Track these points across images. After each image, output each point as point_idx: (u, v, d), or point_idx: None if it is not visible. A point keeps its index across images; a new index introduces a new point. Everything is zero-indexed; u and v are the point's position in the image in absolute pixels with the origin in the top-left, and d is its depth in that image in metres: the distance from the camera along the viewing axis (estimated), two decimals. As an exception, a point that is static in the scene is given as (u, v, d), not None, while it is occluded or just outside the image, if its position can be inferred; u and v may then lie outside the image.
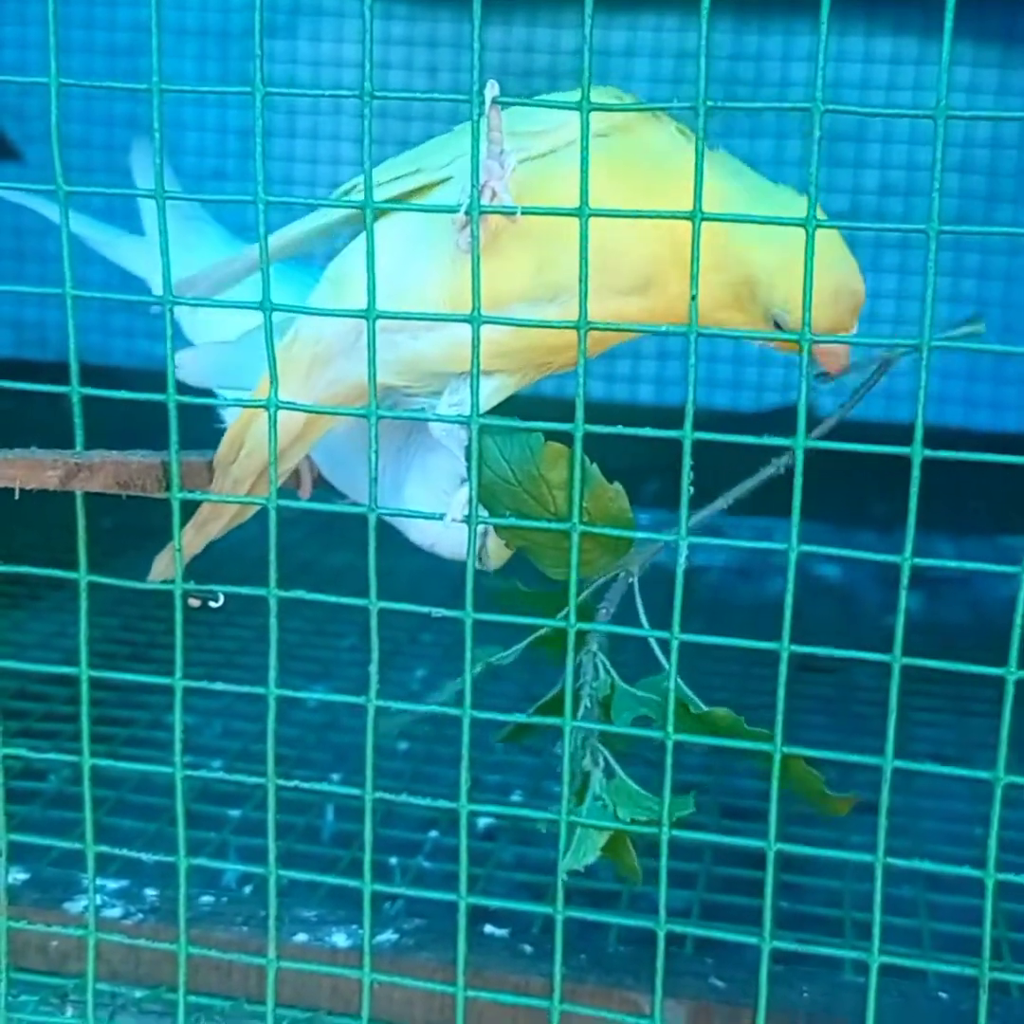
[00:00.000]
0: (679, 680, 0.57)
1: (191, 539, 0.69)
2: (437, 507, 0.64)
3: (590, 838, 0.60)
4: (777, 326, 0.61)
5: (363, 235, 0.62)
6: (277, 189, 1.43)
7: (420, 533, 0.73)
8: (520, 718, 0.60)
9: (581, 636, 0.58)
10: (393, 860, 0.86)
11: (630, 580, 0.64)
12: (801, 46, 1.64)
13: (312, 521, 1.17)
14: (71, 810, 0.88)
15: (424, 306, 0.61)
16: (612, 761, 0.62)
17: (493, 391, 0.63)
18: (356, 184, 0.65)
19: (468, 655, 0.58)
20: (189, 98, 1.72)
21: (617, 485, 0.61)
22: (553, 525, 0.58)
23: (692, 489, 0.55)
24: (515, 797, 0.92)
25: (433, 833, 0.89)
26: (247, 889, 0.81)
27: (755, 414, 1.63)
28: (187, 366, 0.69)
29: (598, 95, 0.60)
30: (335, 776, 0.94)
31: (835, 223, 0.55)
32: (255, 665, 1.02)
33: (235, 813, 0.89)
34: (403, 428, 0.74)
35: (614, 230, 0.57)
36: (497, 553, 0.70)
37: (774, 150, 1.60)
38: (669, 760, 0.56)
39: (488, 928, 0.73)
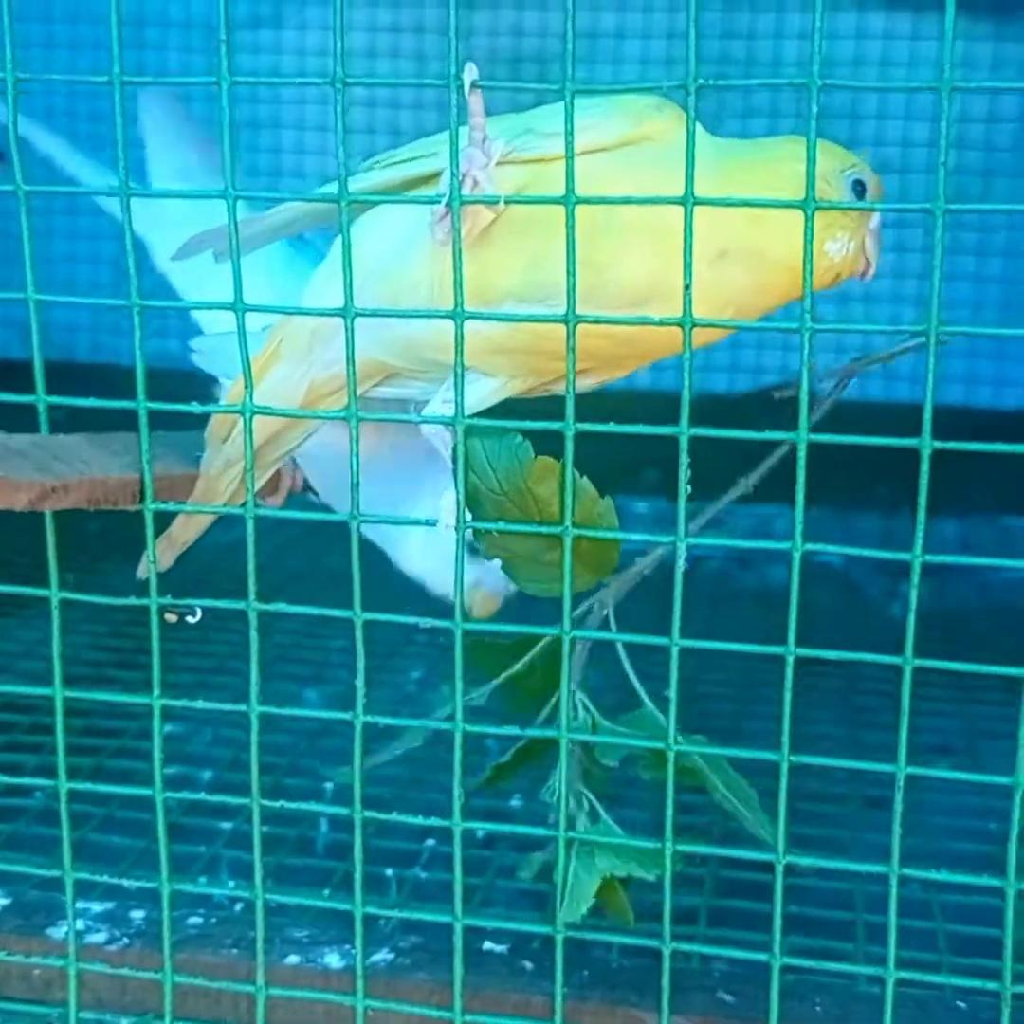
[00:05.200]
0: (658, 714, 0.55)
1: (182, 529, 0.66)
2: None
3: (582, 886, 0.58)
4: (858, 191, 0.60)
5: (366, 211, 0.60)
6: (264, 181, 1.37)
7: (410, 566, 0.71)
8: (514, 731, 0.57)
9: (556, 678, 0.56)
10: (389, 872, 0.83)
11: (604, 612, 0.62)
12: (793, 24, 1.62)
13: (307, 522, 1.15)
14: (58, 826, 0.86)
15: (414, 290, 0.59)
16: (597, 804, 0.60)
17: (491, 392, 0.61)
18: (379, 159, 0.63)
19: (458, 667, 0.56)
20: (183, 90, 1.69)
21: (607, 500, 0.58)
22: (545, 529, 0.56)
23: (689, 487, 0.53)
24: (514, 802, 0.89)
25: (430, 842, 0.86)
26: (238, 907, 0.79)
27: (752, 394, 1.60)
28: (203, 353, 0.68)
29: (640, 104, 0.58)
30: (328, 785, 0.91)
31: (835, 204, 0.52)
32: (248, 670, 0.99)
33: (227, 826, 0.86)
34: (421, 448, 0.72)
35: (607, 246, 0.55)
36: (484, 605, 0.69)
37: (768, 129, 1.57)
38: (671, 773, 0.54)
39: (487, 945, 0.70)
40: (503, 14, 1.62)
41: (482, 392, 0.60)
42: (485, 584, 0.70)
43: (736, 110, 1.59)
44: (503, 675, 0.63)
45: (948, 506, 1.52)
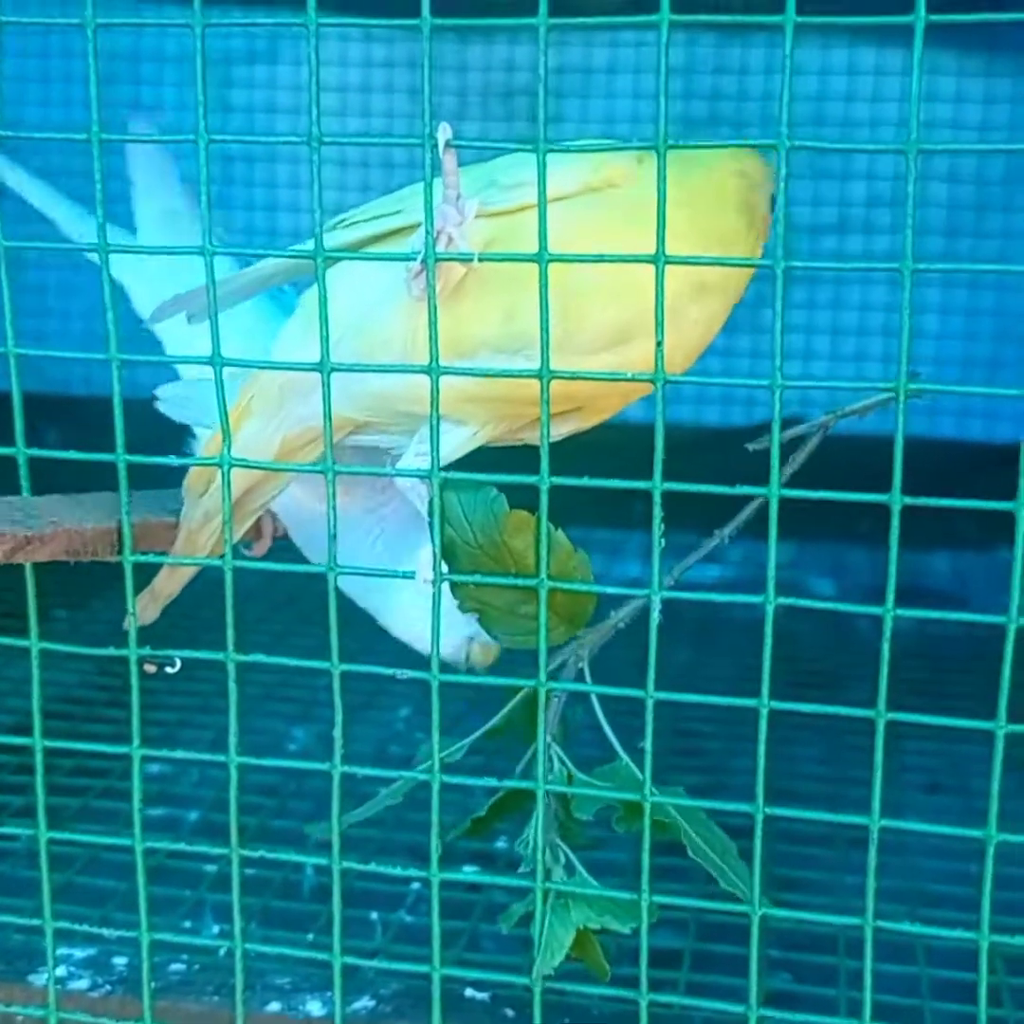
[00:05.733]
0: (634, 767, 0.55)
1: (165, 582, 0.67)
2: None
3: (557, 937, 0.58)
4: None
5: (337, 266, 0.61)
6: (260, 214, 1.38)
7: (401, 630, 0.72)
8: (492, 782, 0.58)
9: (533, 729, 0.56)
10: (374, 915, 0.83)
11: (580, 665, 0.62)
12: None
13: (297, 551, 1.15)
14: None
15: (388, 345, 0.59)
16: (572, 857, 0.61)
17: (465, 440, 0.61)
18: (345, 218, 0.63)
19: (435, 718, 0.57)
20: (171, 121, 1.70)
21: (582, 553, 0.58)
22: (520, 581, 0.56)
23: (664, 541, 0.53)
24: (500, 843, 0.89)
25: (415, 885, 0.86)
26: (222, 951, 0.79)
27: (746, 429, 1.60)
28: (168, 401, 0.68)
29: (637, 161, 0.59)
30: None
31: (806, 263, 0.53)
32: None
33: (211, 868, 0.86)
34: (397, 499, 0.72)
35: (580, 293, 0.56)
36: (483, 654, 0.69)
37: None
38: (647, 824, 0.54)
39: (469, 992, 0.70)
40: (497, 48, 1.62)
41: (455, 442, 0.60)
42: (481, 634, 0.70)
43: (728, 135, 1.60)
44: (484, 728, 0.63)
45: (940, 540, 1.53)
